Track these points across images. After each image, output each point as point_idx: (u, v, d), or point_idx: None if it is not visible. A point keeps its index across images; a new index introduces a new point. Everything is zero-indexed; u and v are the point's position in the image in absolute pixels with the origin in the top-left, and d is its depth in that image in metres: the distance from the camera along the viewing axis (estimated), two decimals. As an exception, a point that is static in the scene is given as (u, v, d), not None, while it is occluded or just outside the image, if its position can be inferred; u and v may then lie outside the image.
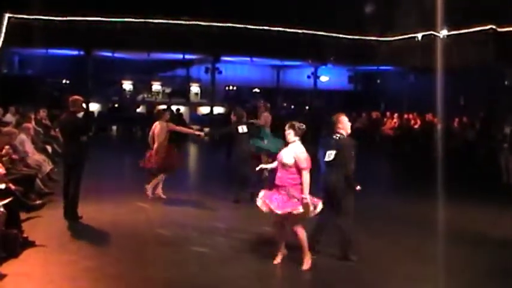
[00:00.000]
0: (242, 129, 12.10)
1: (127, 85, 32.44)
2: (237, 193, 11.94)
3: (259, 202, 7.61)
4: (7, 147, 11.46)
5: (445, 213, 11.08)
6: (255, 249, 8.49)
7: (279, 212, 7.36)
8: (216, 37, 28.17)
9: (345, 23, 29.51)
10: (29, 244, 8.10)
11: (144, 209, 11.20)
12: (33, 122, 16.12)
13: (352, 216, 7.99)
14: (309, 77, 32.48)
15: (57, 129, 16.15)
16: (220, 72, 30.05)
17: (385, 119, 26.68)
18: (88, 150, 10.50)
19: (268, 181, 7.60)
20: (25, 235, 8.22)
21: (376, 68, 32.05)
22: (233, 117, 12.36)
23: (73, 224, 9.71)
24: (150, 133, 12.08)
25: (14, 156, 11.69)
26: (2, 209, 7.73)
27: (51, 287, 6.81)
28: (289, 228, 7.60)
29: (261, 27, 28.78)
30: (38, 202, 10.61)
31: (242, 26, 28.51)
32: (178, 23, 27.97)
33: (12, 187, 9.71)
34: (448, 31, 25.06)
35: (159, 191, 12.12)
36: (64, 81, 32.24)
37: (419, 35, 27.69)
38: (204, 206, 11.62)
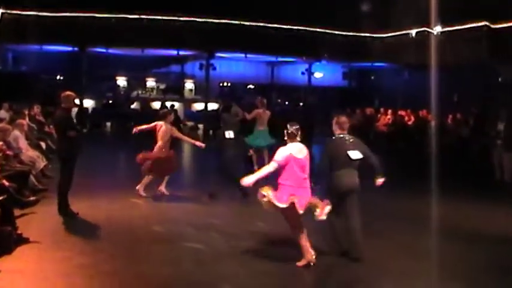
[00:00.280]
0: (229, 134, 11.91)
1: (121, 81, 32.40)
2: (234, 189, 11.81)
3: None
4: (1, 143, 11.45)
5: (438, 209, 11.14)
6: (250, 245, 8.50)
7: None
8: (210, 33, 28.11)
9: (339, 19, 29.52)
10: (23, 241, 8.09)
11: (138, 205, 11.20)
12: (27, 119, 16.12)
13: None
14: (303, 73, 32.47)
15: (51, 126, 16.19)
16: (214, 69, 30.00)
17: (379, 116, 26.72)
18: (80, 145, 10.47)
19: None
20: (19, 232, 8.22)
21: (370, 64, 32.07)
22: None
23: (67, 221, 9.69)
24: (151, 126, 11.89)
25: (9, 152, 11.68)
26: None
27: (46, 283, 6.81)
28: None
29: (255, 24, 28.75)
30: (32, 199, 10.58)
31: (236, 22, 28.46)
32: (172, 19, 27.88)
33: (6, 183, 9.70)
34: (442, 28, 25.08)
35: (162, 188, 12.09)
36: (58, 77, 32.15)
37: (413, 32, 27.73)
38: (198, 202, 11.61)
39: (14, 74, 28.66)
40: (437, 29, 25.05)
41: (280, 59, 32.02)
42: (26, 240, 8.13)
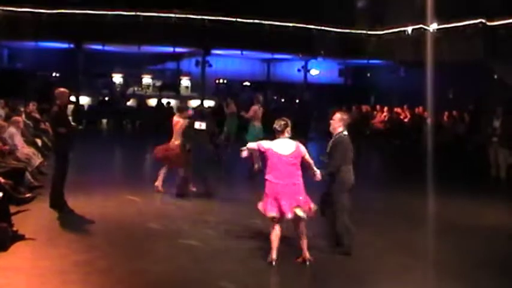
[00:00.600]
0: (200, 125, 11.75)
1: (117, 78, 32.36)
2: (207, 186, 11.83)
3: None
4: (-4, 140, 11.44)
5: (434, 206, 11.17)
6: (246, 242, 8.52)
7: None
8: (206, 30, 28.09)
9: (335, 16, 29.51)
10: (18, 238, 8.08)
11: (133, 202, 11.18)
12: (23, 115, 16.08)
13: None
14: (299, 70, 32.45)
15: (46, 123, 16.18)
16: (210, 66, 29.94)
17: (375, 113, 26.76)
18: (72, 141, 10.46)
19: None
20: (15, 229, 8.20)
21: (366, 61, 32.04)
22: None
23: (63, 218, 9.69)
24: (174, 122, 11.91)
25: (5, 148, 11.68)
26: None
27: (41, 280, 6.80)
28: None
29: (251, 21, 28.70)
30: (27, 195, 10.58)
31: (232, 19, 28.40)
32: (168, 16, 27.86)
33: (2, 180, 9.69)
34: (438, 25, 25.08)
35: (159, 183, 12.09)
36: (54, 74, 32.06)
37: (409, 29, 27.71)
38: (194, 199, 11.60)
39: (10, 71, 28.59)
40: (433, 26, 25.03)
41: (276, 56, 32.00)
42: (21, 237, 8.12)
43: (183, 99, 30.80)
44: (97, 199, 11.26)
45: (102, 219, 9.67)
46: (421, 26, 25.80)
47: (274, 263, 7.41)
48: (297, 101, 33.11)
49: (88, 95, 29.38)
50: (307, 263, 7.56)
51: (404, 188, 13.68)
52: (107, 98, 29.60)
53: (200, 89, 30.69)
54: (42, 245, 8.11)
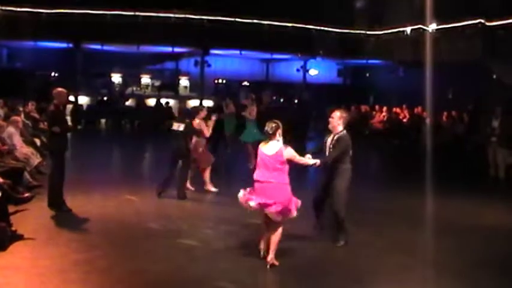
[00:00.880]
0: (178, 127, 11.63)
1: (116, 78, 32.30)
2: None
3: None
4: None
5: (433, 206, 11.16)
6: (244, 241, 8.50)
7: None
8: (205, 30, 28.12)
9: (334, 16, 29.52)
10: (17, 237, 8.07)
11: (132, 202, 11.17)
12: (22, 115, 16.06)
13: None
14: (298, 70, 32.46)
15: (45, 122, 16.15)
16: (209, 66, 29.95)
17: (374, 113, 26.77)
18: (67, 141, 10.47)
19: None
20: (13, 228, 8.19)
21: (365, 61, 32.09)
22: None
23: (62, 217, 9.68)
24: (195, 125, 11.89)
25: (3, 147, 11.66)
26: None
27: (41, 280, 6.79)
28: None
29: (250, 21, 28.73)
30: (26, 195, 10.56)
31: (231, 19, 28.44)
32: (167, 16, 27.87)
33: (0, 180, 9.68)
34: (437, 25, 25.10)
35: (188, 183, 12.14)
36: (53, 74, 32.03)
37: (408, 29, 27.73)
38: (192, 198, 11.59)
39: (9, 71, 28.57)
40: (432, 26, 25.04)
41: (275, 56, 32.01)
42: (20, 237, 8.11)
43: (182, 99, 30.86)
44: (96, 199, 11.25)
45: (101, 219, 9.66)
46: (420, 26, 25.82)
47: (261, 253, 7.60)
48: (296, 101, 33.09)
49: (87, 95, 29.36)
50: (268, 266, 7.40)
51: (403, 188, 13.67)
52: (105, 98, 29.57)
53: (199, 89, 30.70)
54: (41, 245, 8.10)
